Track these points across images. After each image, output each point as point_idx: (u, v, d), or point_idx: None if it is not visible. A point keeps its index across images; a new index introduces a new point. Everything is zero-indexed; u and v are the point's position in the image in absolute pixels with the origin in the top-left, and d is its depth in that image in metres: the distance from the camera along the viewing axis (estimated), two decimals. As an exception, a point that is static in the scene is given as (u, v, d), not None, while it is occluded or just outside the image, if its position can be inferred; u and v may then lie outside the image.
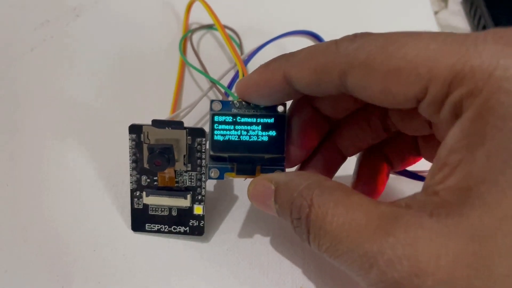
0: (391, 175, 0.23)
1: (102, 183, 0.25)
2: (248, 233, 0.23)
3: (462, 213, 0.12)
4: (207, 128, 0.21)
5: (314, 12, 0.35)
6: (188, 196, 0.22)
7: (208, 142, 0.20)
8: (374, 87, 0.15)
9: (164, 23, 0.34)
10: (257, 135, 0.20)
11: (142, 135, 0.21)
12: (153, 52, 0.32)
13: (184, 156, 0.21)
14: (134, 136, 0.21)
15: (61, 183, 0.25)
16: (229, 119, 0.20)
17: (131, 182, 0.22)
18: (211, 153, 0.20)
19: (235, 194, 0.25)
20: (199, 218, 0.22)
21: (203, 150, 0.21)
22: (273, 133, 0.20)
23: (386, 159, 0.22)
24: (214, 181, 0.26)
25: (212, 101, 0.20)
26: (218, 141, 0.20)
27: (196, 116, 0.28)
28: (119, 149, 0.24)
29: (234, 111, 0.20)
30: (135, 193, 0.22)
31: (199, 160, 0.21)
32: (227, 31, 0.33)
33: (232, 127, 0.20)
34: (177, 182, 0.22)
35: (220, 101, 0.20)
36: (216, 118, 0.20)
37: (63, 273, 0.22)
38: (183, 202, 0.22)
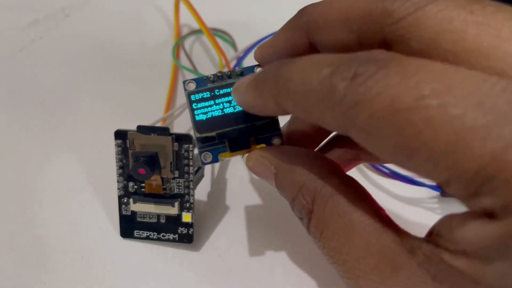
0: (386, 179, 0.23)
1: (90, 188, 0.25)
2: (240, 240, 0.23)
3: None
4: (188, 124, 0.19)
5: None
6: (176, 204, 0.21)
7: (191, 124, 0.19)
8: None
9: (155, 23, 0.33)
10: None
11: (127, 141, 0.20)
12: (145, 53, 0.31)
13: (171, 163, 0.20)
14: (119, 142, 0.21)
15: (47, 187, 0.25)
16: (206, 94, 0.18)
17: (118, 189, 0.22)
18: (198, 135, 0.18)
19: (227, 202, 0.25)
20: (188, 225, 0.22)
21: (190, 157, 0.21)
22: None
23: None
24: (205, 188, 0.25)
25: (184, 82, 0.19)
26: (201, 121, 0.18)
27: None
28: (108, 154, 0.23)
29: (210, 85, 0.18)
30: (122, 199, 0.22)
31: (186, 167, 0.21)
32: (219, 33, 0.32)
33: (212, 102, 0.18)
34: (164, 189, 0.21)
35: (193, 79, 0.19)
36: (192, 97, 0.18)
37: (49, 280, 0.21)
38: (171, 210, 0.21)
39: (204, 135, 0.18)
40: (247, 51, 0.28)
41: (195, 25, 0.33)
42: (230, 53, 0.31)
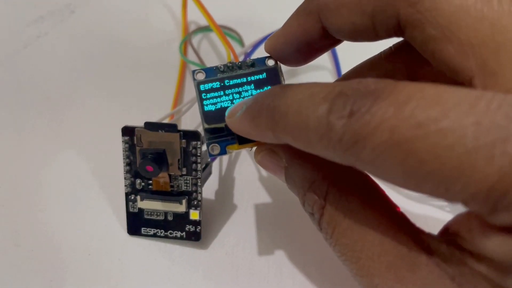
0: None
1: (97, 185, 0.25)
2: (248, 239, 0.23)
3: None
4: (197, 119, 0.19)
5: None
6: (183, 201, 0.21)
7: (200, 115, 0.18)
8: (450, 54, 0.13)
9: (162, 19, 0.33)
10: (252, 95, 0.18)
11: (135, 138, 0.20)
12: (152, 49, 0.31)
13: (179, 160, 0.20)
14: (127, 138, 0.21)
15: (54, 185, 0.25)
16: (216, 84, 0.18)
17: (125, 186, 0.22)
18: (206, 126, 0.18)
19: (234, 200, 0.24)
20: (196, 223, 0.21)
21: (198, 154, 0.20)
22: (268, 88, 0.18)
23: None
24: (212, 187, 0.25)
25: (193, 71, 0.18)
26: (210, 111, 0.18)
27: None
28: (116, 151, 0.23)
29: (220, 76, 0.18)
30: (129, 196, 0.22)
31: (194, 164, 0.21)
32: (226, 31, 0.32)
33: (221, 92, 0.18)
34: (172, 186, 0.21)
35: (202, 69, 0.18)
36: (202, 87, 0.18)
37: (56, 278, 0.21)
38: (178, 207, 0.21)
39: (212, 126, 0.18)
40: (255, 47, 0.28)
41: (202, 22, 0.33)
42: (238, 51, 0.31)
